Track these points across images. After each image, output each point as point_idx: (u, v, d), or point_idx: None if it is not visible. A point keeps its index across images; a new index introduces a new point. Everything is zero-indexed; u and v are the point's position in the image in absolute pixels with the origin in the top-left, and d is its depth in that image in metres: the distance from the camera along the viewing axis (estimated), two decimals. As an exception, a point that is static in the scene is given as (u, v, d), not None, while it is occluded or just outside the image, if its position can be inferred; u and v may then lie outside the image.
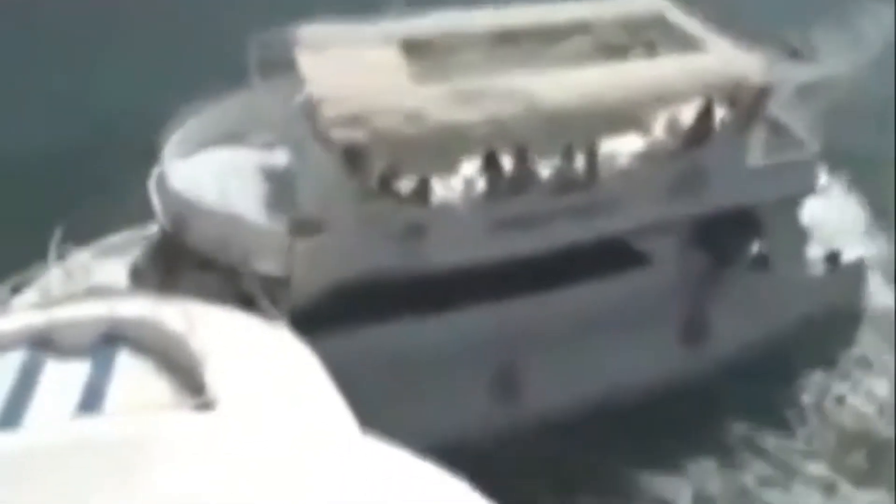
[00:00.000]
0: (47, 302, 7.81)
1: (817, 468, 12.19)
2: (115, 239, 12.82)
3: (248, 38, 11.90)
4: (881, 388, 13.30)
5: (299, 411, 6.46)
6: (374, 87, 11.64)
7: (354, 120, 11.14)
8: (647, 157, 12.89)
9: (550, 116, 11.76)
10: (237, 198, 11.64)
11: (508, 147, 12.24)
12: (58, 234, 8.81)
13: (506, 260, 11.76)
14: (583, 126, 12.22)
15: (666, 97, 12.79)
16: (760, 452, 12.37)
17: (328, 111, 11.28)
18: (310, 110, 11.66)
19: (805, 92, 13.00)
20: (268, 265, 11.13)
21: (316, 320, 9.40)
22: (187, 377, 6.48)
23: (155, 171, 12.29)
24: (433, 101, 11.53)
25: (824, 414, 13.00)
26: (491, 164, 12.28)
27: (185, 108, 12.58)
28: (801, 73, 12.91)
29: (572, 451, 11.74)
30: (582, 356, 12.23)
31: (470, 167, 12.38)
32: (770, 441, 12.50)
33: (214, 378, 6.29)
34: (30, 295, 9.97)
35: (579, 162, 12.47)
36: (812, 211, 14.18)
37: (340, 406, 6.59)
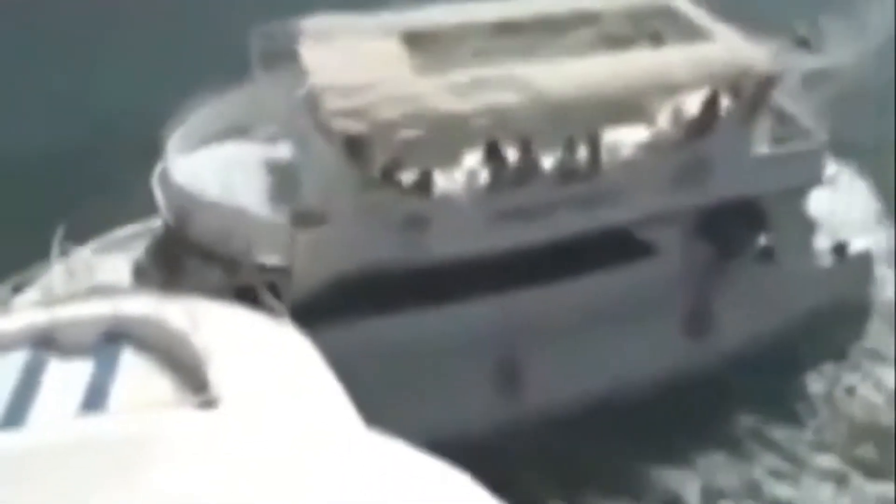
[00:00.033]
0: (49, 301, 7.77)
1: (827, 460, 12.12)
2: (118, 234, 12.83)
3: (248, 33, 11.87)
4: (891, 379, 13.20)
5: (303, 408, 6.43)
6: (376, 79, 11.61)
7: (356, 112, 11.13)
8: (651, 148, 12.81)
9: (553, 107, 11.72)
10: (240, 191, 11.65)
11: (511, 138, 12.18)
12: (60, 232, 8.76)
13: (508, 251, 11.71)
14: (586, 116, 12.14)
15: (670, 87, 12.69)
16: (770, 445, 12.29)
17: (330, 103, 11.27)
18: (312, 102, 11.65)
19: (811, 81, 12.91)
20: (270, 257, 11.12)
21: (317, 312, 9.39)
22: (190, 375, 6.45)
23: (158, 167, 12.30)
24: (435, 92, 11.49)
25: (834, 405, 12.93)
26: (493, 154, 12.23)
27: (187, 104, 12.56)
28: (807, 62, 12.82)
29: (577, 445, 11.68)
30: (585, 348, 12.18)
31: (472, 158, 12.33)
32: (779, 433, 12.43)
33: (218, 376, 6.26)
34: (32, 294, 9.96)
35: (582, 152, 12.41)
36: (819, 201, 14.07)
37: (344, 402, 6.56)
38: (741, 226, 13.15)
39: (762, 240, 13.59)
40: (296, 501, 5.20)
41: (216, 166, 12.14)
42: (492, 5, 13.72)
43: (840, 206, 14.53)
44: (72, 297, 8.14)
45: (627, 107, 12.80)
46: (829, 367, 13.44)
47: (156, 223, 12.55)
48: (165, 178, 12.08)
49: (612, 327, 12.15)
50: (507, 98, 11.52)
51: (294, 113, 12.10)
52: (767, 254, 13.62)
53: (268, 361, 7.11)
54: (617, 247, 12.51)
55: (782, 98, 13.44)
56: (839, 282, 14.05)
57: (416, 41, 12.73)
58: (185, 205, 11.64)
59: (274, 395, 6.49)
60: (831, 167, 14.13)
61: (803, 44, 12.98)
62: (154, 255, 12.05)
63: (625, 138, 12.81)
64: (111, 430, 5.71)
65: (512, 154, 12.26)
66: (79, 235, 10.73)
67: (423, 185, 11.75)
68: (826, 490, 11.78)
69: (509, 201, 11.95)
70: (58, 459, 5.32)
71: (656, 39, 13.76)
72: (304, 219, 11.17)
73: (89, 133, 16.53)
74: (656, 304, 12.38)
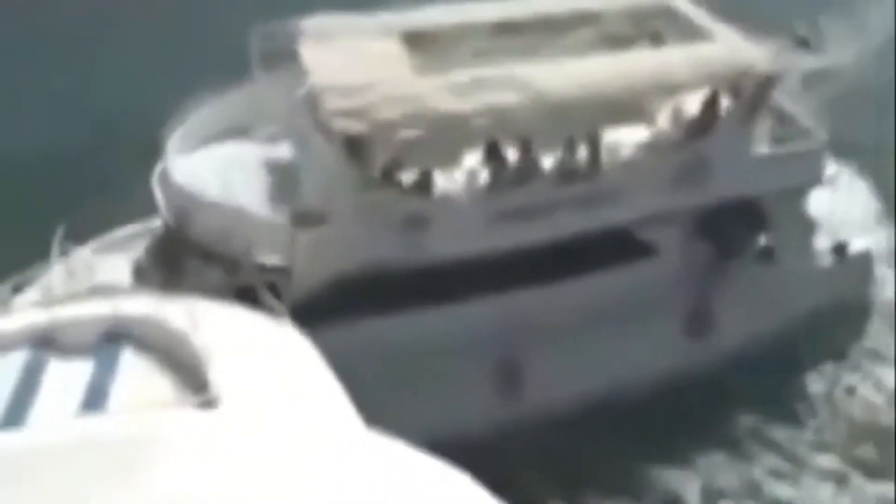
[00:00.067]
0: (49, 301, 7.76)
1: (827, 460, 12.11)
2: (118, 234, 12.82)
3: (248, 33, 11.87)
4: (891, 379, 13.18)
5: (303, 408, 6.43)
6: (376, 79, 11.61)
7: (356, 112, 11.13)
8: (651, 148, 12.80)
9: (553, 107, 11.71)
10: (241, 191, 11.66)
11: (511, 138, 12.18)
12: (60, 232, 8.76)
13: (508, 251, 11.70)
14: (586, 116, 12.13)
15: (670, 87, 12.69)
16: (770, 445, 12.28)
17: (330, 103, 11.26)
18: (312, 102, 11.65)
19: (811, 81, 12.90)
20: (270, 257, 11.13)
21: (318, 312, 9.38)
22: (190, 375, 6.44)
23: (158, 167, 12.30)
24: (435, 92, 11.48)
25: (834, 405, 12.92)
26: (493, 154, 12.22)
27: (187, 104, 12.56)
28: (807, 62, 12.82)
29: (578, 445, 11.65)
30: (585, 348, 12.17)
31: (472, 158, 12.32)
32: (779, 433, 12.42)
33: (218, 376, 6.26)
34: (32, 294, 9.94)
35: (582, 152, 12.40)
36: (819, 201, 14.06)
37: (344, 402, 6.56)
38: (741, 226, 13.14)
39: (762, 240, 13.58)
40: (296, 502, 5.20)
41: (216, 166, 12.14)
42: (492, 5, 13.71)
43: (840, 206, 14.52)
44: (72, 297, 8.11)
45: (627, 107, 12.80)
46: (828, 368, 13.42)
47: (156, 223, 12.55)
48: (165, 178, 12.08)
49: (613, 327, 12.14)
50: (507, 98, 11.52)
51: (294, 113, 12.10)
52: (767, 254, 13.61)
53: (268, 361, 7.11)
54: (617, 247, 12.49)
55: (782, 98, 13.44)
56: (839, 282, 14.04)
57: (416, 41, 12.73)
58: (185, 205, 11.63)
59: (274, 396, 6.49)
60: (831, 167, 14.12)
61: (803, 44, 12.97)
62: (154, 255, 12.05)
63: (625, 138, 12.80)
64: (111, 431, 5.71)
65: (512, 154, 12.25)
66: (79, 235, 10.72)
67: (424, 185, 11.74)
68: (826, 490, 11.76)
69: (509, 201, 11.94)
70: (58, 459, 5.32)
71: (656, 39, 13.76)
72: (304, 219, 11.16)
73: (89, 133, 16.52)
74: (656, 304, 12.37)
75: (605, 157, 12.44)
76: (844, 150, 14.69)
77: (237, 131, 12.87)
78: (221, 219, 11.21)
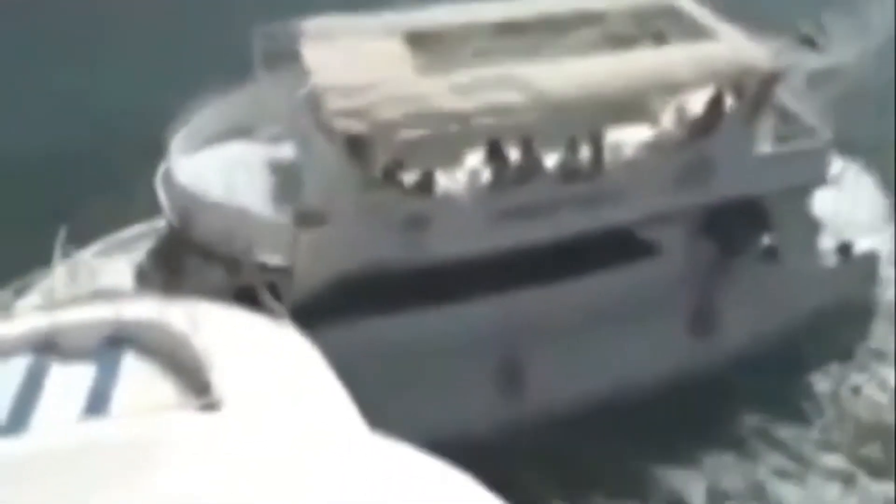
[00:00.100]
0: (51, 305, 7.75)
1: (833, 460, 12.07)
2: (120, 235, 12.83)
3: (251, 33, 11.85)
4: (894, 379, 13.15)
5: (305, 410, 6.42)
6: (378, 79, 11.59)
7: (358, 112, 11.12)
8: (655, 147, 12.77)
9: (556, 106, 11.69)
10: (243, 191, 11.65)
11: (513, 137, 12.15)
12: (62, 234, 8.75)
13: (510, 251, 11.67)
14: (588, 116, 12.12)
15: (673, 86, 12.67)
16: (776, 444, 12.25)
17: (332, 103, 11.25)
18: (314, 102, 11.64)
19: (815, 80, 12.86)
20: (272, 257, 11.12)
21: (319, 312, 9.37)
22: (192, 378, 6.43)
23: (161, 167, 12.30)
24: (437, 92, 11.46)
25: (840, 405, 12.88)
26: (495, 154, 12.20)
27: (190, 104, 12.56)
28: (810, 60, 12.78)
29: (580, 445, 11.64)
30: (588, 348, 12.14)
31: (474, 158, 12.29)
32: (785, 433, 12.38)
33: (219, 378, 6.24)
34: (33, 298, 9.92)
35: (585, 152, 12.37)
36: (824, 201, 14.01)
37: (346, 404, 6.55)
38: (745, 225, 13.10)
39: (766, 239, 13.54)
40: (298, 503, 5.18)
41: (219, 167, 12.13)
42: (494, 5, 13.67)
43: (845, 205, 14.45)
44: (74, 300, 8.11)
45: (630, 106, 12.78)
46: (834, 367, 13.39)
47: (159, 224, 12.54)
48: (169, 179, 12.09)
49: (616, 327, 12.12)
50: (509, 98, 11.49)
51: (296, 113, 12.09)
52: (771, 253, 13.56)
53: (269, 363, 7.10)
54: (620, 246, 12.46)
55: (786, 97, 13.38)
56: (844, 282, 13.99)
57: (419, 41, 12.70)
58: (189, 205, 11.64)
59: (276, 397, 6.47)
60: (837, 164, 14.04)
61: (807, 42, 12.93)
62: (156, 257, 12.05)
63: (628, 138, 12.78)
64: (114, 434, 5.71)
65: (514, 154, 12.23)
66: (81, 237, 10.73)
67: (425, 184, 11.73)
68: (832, 490, 11.73)
69: (511, 201, 11.92)
70: (60, 464, 5.32)
71: (660, 39, 13.71)
72: (306, 219, 11.15)
73: (91, 134, 16.51)
74: (660, 303, 12.34)
75: (608, 156, 12.41)
76: (848, 148, 14.62)
77: (240, 132, 12.87)
78: (224, 219, 11.21)
